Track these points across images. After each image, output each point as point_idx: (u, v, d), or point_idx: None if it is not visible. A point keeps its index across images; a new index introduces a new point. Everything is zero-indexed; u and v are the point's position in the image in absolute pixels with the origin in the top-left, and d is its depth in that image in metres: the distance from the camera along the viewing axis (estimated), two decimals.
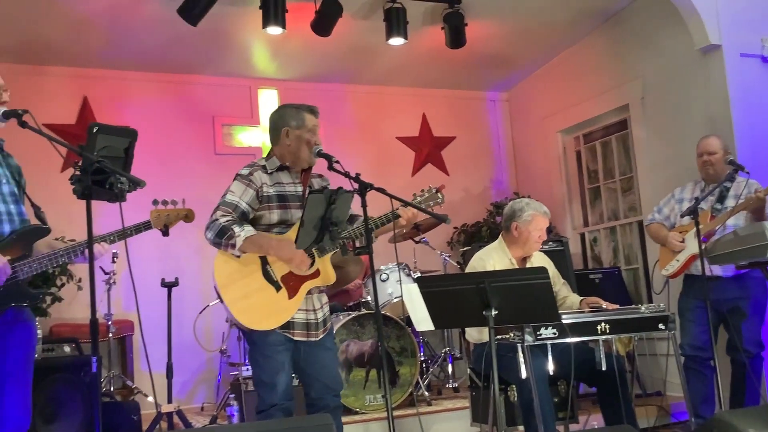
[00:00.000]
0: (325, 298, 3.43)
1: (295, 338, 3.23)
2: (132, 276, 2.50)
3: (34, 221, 2.93)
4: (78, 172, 2.49)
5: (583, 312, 3.64)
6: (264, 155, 3.46)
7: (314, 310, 3.32)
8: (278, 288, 3.20)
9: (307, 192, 3.35)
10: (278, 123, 3.37)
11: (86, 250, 2.67)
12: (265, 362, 3.19)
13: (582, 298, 3.93)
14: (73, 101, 6.18)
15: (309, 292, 3.29)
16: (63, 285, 5.48)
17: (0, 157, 2.89)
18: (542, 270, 2.97)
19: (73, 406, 4.16)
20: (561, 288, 4.03)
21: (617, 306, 3.75)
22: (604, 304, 3.76)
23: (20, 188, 2.93)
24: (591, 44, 6.47)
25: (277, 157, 3.36)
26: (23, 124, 2.66)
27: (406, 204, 3.28)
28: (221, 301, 3.17)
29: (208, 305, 5.51)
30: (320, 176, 3.51)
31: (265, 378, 3.19)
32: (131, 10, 5.37)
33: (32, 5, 5.13)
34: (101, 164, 2.46)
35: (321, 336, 3.32)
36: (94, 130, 2.55)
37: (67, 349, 4.52)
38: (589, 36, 6.45)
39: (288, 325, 3.22)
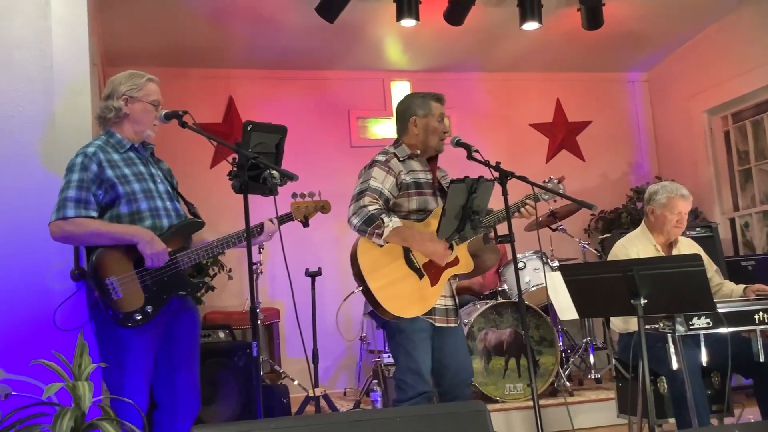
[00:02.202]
0: (454, 285, 3.42)
1: (436, 324, 3.23)
2: (287, 265, 2.61)
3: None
4: (235, 168, 2.62)
5: (738, 300, 3.46)
6: None
7: (451, 296, 3.33)
8: (421, 275, 3.20)
9: (436, 179, 3.36)
10: (406, 112, 3.39)
11: (243, 240, 2.82)
12: (413, 350, 3.16)
13: (746, 285, 3.74)
14: (219, 101, 6.49)
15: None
16: (215, 275, 5.80)
17: (152, 160, 3.07)
18: (696, 257, 2.87)
19: (229, 389, 4.33)
20: (714, 275, 3.85)
21: None
22: None
23: (173, 188, 3.10)
24: (739, 18, 6.09)
25: (407, 145, 3.38)
26: (183, 125, 2.83)
27: (549, 192, 3.25)
28: (365, 288, 3.16)
29: (353, 292, 5.55)
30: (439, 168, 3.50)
31: (413, 366, 3.14)
32: (271, 12, 5.58)
33: (177, 12, 5.42)
34: (256, 160, 2.58)
35: (457, 323, 3.34)
36: (249, 128, 2.67)
37: (221, 335, 4.76)
38: (736, 9, 6.07)
39: (430, 311, 3.21)
